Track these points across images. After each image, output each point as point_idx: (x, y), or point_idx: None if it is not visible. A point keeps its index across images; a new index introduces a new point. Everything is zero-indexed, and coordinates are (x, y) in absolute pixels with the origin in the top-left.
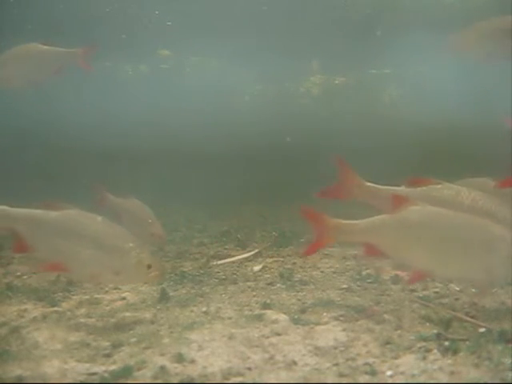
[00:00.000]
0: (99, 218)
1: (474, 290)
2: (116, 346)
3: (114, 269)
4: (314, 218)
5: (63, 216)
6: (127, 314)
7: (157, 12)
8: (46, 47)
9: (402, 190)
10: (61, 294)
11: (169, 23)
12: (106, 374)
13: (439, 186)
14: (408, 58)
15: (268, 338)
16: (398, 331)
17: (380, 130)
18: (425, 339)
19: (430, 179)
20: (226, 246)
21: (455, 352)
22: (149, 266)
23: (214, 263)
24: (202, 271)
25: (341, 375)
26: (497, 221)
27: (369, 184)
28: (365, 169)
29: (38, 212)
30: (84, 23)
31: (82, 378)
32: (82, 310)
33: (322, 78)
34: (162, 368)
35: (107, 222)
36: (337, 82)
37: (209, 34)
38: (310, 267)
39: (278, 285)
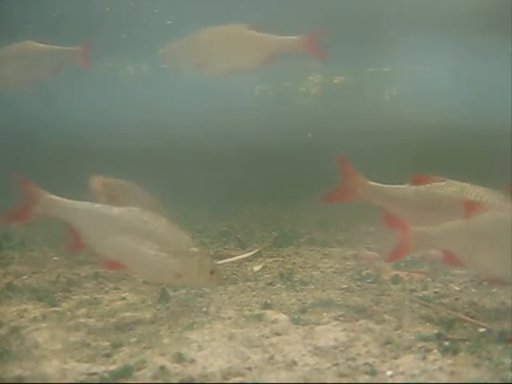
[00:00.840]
0: (163, 219)
1: (474, 290)
2: (116, 345)
3: (176, 272)
4: (397, 225)
5: (127, 213)
6: (127, 314)
7: (156, 11)
8: (42, 45)
9: (405, 187)
10: (61, 294)
11: (169, 22)
12: (105, 374)
13: (443, 183)
14: (407, 56)
15: (268, 338)
16: (398, 331)
17: (380, 130)
18: (425, 339)
19: (433, 176)
20: (226, 246)
21: (455, 352)
22: (211, 272)
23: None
24: None
25: (341, 375)
26: None
27: (372, 183)
28: (366, 168)
29: (99, 206)
30: (84, 22)
31: (82, 378)
32: (82, 310)
33: (321, 77)
34: (162, 368)
35: (170, 223)
36: (336, 81)
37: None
38: (309, 267)
39: (278, 285)
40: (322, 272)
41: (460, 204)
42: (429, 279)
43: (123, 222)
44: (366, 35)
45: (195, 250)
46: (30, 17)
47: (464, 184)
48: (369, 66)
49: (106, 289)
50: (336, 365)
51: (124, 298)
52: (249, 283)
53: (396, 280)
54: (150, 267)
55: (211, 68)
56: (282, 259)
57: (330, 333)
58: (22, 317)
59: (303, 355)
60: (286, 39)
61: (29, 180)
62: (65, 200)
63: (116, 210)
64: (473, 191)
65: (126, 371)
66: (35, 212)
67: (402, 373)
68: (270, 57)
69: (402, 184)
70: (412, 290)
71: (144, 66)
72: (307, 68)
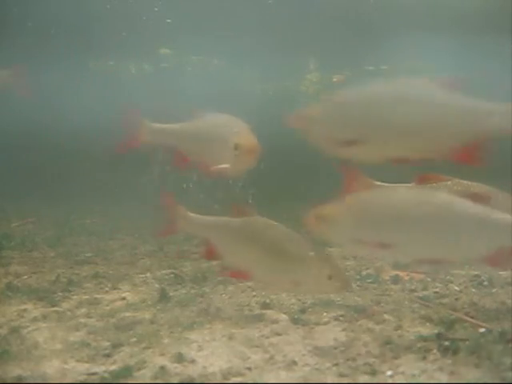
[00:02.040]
0: (281, 226)
1: (474, 290)
2: (116, 345)
3: (294, 278)
4: None
5: (246, 223)
6: (127, 314)
7: (156, 9)
8: None
9: (411, 187)
10: (61, 294)
11: (168, 20)
12: (106, 374)
13: (449, 183)
14: (405, 54)
15: (268, 337)
16: (398, 331)
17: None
18: (425, 339)
19: (439, 176)
20: None
21: (455, 352)
22: (329, 277)
23: (214, 263)
24: (202, 271)
25: (341, 375)
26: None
27: (378, 183)
28: (369, 168)
29: (224, 219)
30: (85, 21)
31: (82, 378)
32: (82, 310)
33: (319, 75)
34: (162, 368)
35: (288, 230)
36: (335, 79)
37: (208, 33)
38: None
39: None
40: None
41: None
42: (429, 279)
43: (243, 232)
44: (365, 33)
45: (312, 254)
46: (30, 15)
47: (470, 183)
48: (367, 64)
49: (106, 289)
50: (336, 365)
51: (124, 298)
52: (249, 283)
53: (396, 280)
54: (269, 275)
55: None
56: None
57: (330, 333)
58: (22, 317)
59: (303, 355)
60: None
61: (173, 199)
62: (198, 216)
63: (237, 221)
64: (479, 190)
65: (126, 371)
66: (178, 227)
67: (402, 373)
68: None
69: (408, 184)
70: (412, 290)
71: (146, 65)
72: (306, 67)
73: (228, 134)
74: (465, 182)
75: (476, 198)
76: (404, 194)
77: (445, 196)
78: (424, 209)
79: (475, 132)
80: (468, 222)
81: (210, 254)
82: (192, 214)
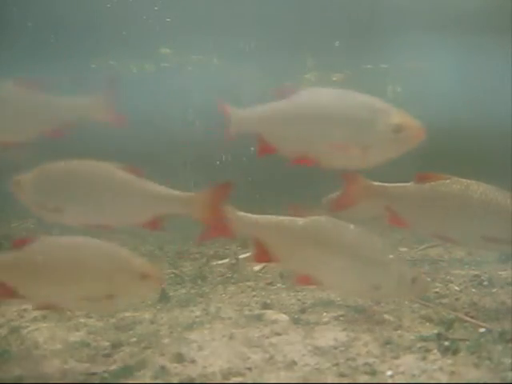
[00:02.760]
0: (352, 226)
1: (474, 290)
2: (116, 345)
3: (374, 283)
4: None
5: (312, 224)
6: (127, 314)
7: (156, 8)
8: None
9: (410, 186)
10: None
11: (168, 20)
12: (105, 374)
13: (448, 181)
14: (405, 53)
15: (268, 338)
16: (398, 331)
17: None
18: (425, 339)
19: (438, 174)
20: (227, 246)
21: (455, 352)
22: (413, 280)
23: (214, 263)
24: (201, 271)
25: (341, 375)
26: (509, 214)
27: (377, 184)
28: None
29: (283, 219)
30: (86, 20)
31: (81, 378)
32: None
33: (318, 74)
34: (162, 368)
35: (361, 230)
36: (334, 78)
37: (208, 32)
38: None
39: (278, 285)
40: None
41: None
42: (429, 279)
43: (309, 234)
44: (364, 32)
45: (391, 257)
46: (30, 15)
47: (470, 181)
48: (366, 62)
49: None
50: (336, 365)
51: None
52: (249, 283)
53: None
54: (343, 280)
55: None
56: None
57: (330, 333)
58: (22, 317)
59: (303, 355)
60: None
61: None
62: (250, 216)
63: (301, 222)
64: (477, 189)
65: (126, 371)
66: (226, 229)
67: (402, 373)
68: None
69: (407, 182)
70: None
71: (148, 65)
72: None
73: (377, 113)
74: (464, 180)
75: (132, 170)
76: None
77: (107, 167)
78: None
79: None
80: (125, 190)
81: (263, 257)
82: (243, 214)
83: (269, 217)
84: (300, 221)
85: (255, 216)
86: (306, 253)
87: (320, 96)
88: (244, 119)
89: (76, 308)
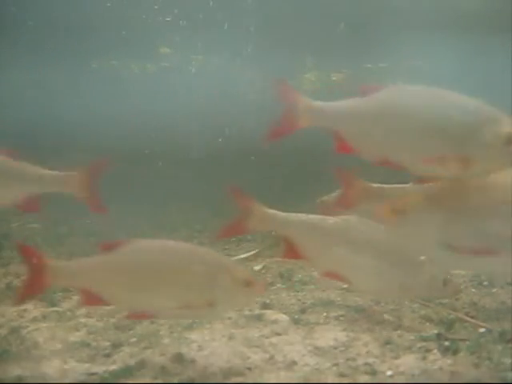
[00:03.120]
0: (382, 227)
1: (474, 290)
2: (116, 345)
3: (405, 285)
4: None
5: (343, 223)
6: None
7: (156, 7)
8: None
9: (409, 187)
10: (61, 294)
11: (168, 19)
12: (106, 374)
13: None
14: (404, 53)
15: (268, 338)
16: (398, 331)
17: None
18: (425, 339)
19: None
20: (226, 246)
21: (455, 352)
22: (444, 283)
23: None
24: None
25: (341, 375)
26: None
27: (375, 185)
28: (364, 168)
29: (313, 218)
30: (86, 20)
31: (82, 378)
32: (82, 310)
33: (318, 74)
34: (162, 368)
35: (392, 231)
36: (334, 78)
37: (208, 32)
38: (309, 267)
39: (278, 285)
40: None
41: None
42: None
43: (340, 234)
44: (363, 31)
45: (423, 258)
46: (30, 14)
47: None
48: (366, 61)
49: None
50: (336, 365)
51: None
52: None
53: None
54: (373, 281)
55: None
56: (281, 259)
57: (330, 333)
58: (22, 317)
59: (303, 355)
60: None
61: (244, 193)
62: (280, 213)
63: (331, 221)
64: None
65: (126, 371)
66: (251, 225)
67: (402, 373)
68: None
69: (405, 184)
70: None
71: (149, 65)
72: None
73: (483, 119)
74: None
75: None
76: None
77: None
78: None
79: None
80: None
81: (292, 254)
82: (272, 211)
83: (298, 215)
84: (330, 219)
85: (284, 214)
86: (335, 252)
87: (410, 95)
88: (321, 113)
89: (173, 316)
